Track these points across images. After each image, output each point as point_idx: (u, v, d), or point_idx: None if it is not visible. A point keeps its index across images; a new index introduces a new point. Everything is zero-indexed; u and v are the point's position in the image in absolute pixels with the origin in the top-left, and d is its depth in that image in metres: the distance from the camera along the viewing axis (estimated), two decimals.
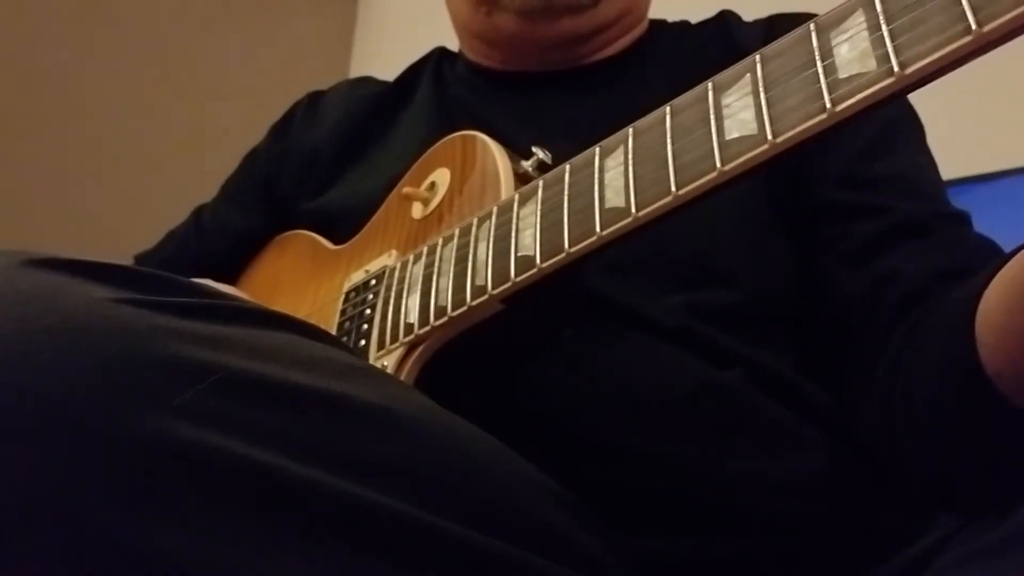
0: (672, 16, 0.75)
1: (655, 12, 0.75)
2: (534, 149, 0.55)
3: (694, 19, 0.73)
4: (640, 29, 0.72)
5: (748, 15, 0.71)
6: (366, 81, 0.82)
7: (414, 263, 0.55)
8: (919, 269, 0.53)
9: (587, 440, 0.53)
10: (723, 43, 0.67)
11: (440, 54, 0.79)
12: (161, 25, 1.66)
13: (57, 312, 0.32)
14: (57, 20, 1.56)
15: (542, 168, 0.54)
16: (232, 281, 0.77)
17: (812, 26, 0.40)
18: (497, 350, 0.52)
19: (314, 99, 0.80)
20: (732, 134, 0.40)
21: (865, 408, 0.53)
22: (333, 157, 0.73)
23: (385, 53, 1.68)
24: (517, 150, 0.57)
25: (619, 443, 0.53)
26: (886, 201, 0.57)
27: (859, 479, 0.54)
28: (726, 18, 0.70)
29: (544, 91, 0.69)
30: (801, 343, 0.59)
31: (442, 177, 0.60)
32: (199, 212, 0.82)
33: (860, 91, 0.36)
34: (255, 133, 0.83)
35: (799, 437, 0.55)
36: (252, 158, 0.80)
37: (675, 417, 0.53)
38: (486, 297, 0.48)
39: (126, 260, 0.82)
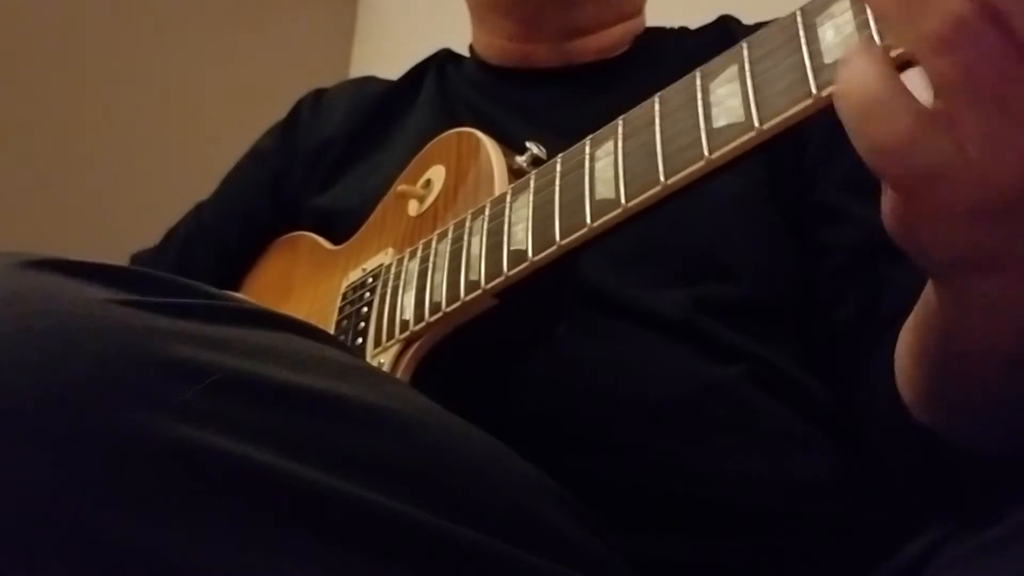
0: (672, 20, 0.75)
1: (655, 19, 0.75)
2: (528, 144, 0.55)
3: (693, 24, 0.73)
4: (636, 25, 0.72)
5: (748, 19, 0.70)
6: (370, 80, 0.83)
7: (410, 260, 0.55)
8: (901, 288, 0.52)
9: (587, 438, 0.53)
10: (724, 47, 0.67)
11: (445, 55, 0.79)
12: (160, 24, 1.66)
13: (55, 313, 0.32)
14: (56, 19, 1.56)
15: (536, 163, 0.54)
16: (238, 280, 0.77)
17: (798, 12, 0.40)
18: (493, 346, 0.52)
19: (319, 95, 0.81)
20: (720, 122, 0.40)
21: (860, 411, 0.53)
22: (339, 155, 0.74)
23: (385, 53, 1.68)
24: (514, 146, 0.57)
25: (619, 441, 0.53)
26: (876, 210, 0.57)
27: (861, 478, 0.54)
28: (726, 23, 0.70)
29: (546, 88, 0.70)
30: (805, 339, 0.59)
31: (437, 174, 0.60)
32: (199, 209, 0.82)
33: None
34: (255, 132, 0.83)
35: (801, 436, 0.55)
36: (258, 154, 0.80)
37: (676, 415, 0.53)
38: (479, 292, 0.48)
39: (126, 260, 0.83)
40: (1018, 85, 0.27)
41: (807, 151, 0.61)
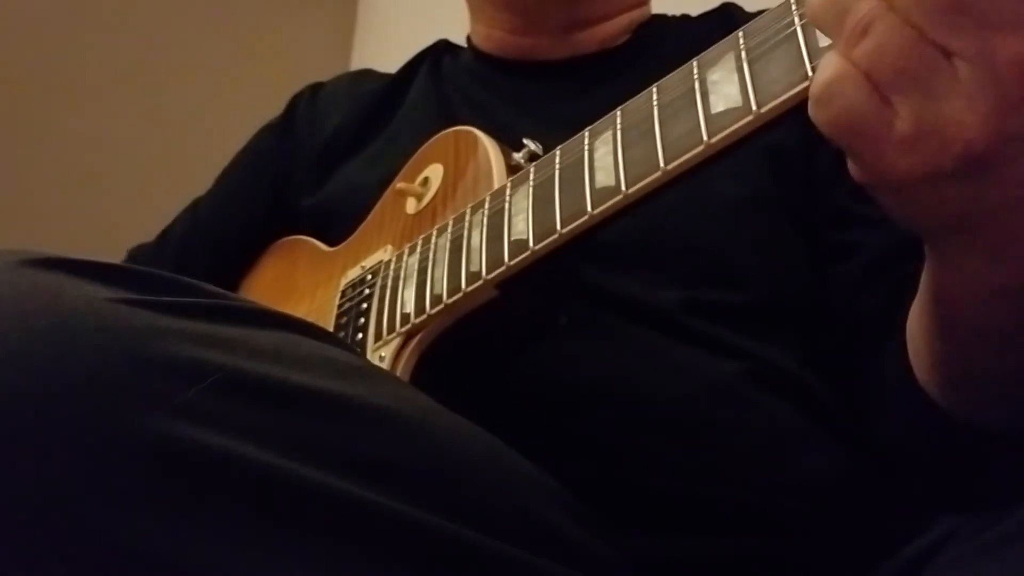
0: (673, 10, 0.75)
1: (659, 6, 0.75)
2: (525, 141, 0.55)
3: (694, 12, 0.73)
4: (641, 14, 0.72)
5: (750, 6, 0.70)
6: (367, 74, 0.82)
7: (409, 255, 0.55)
8: None
9: (587, 438, 0.53)
10: (726, 34, 0.66)
11: (443, 46, 0.79)
12: (161, 23, 1.66)
13: (56, 312, 0.32)
14: (57, 18, 1.56)
15: (533, 159, 0.54)
16: (237, 280, 0.77)
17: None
18: (494, 337, 0.52)
19: (315, 91, 0.80)
20: (718, 108, 0.40)
21: (872, 413, 0.53)
22: (339, 151, 0.73)
23: (385, 52, 1.68)
24: (512, 142, 0.57)
25: (619, 441, 0.52)
26: None
27: (863, 478, 0.54)
28: (728, 10, 0.70)
29: (546, 81, 0.69)
30: (810, 340, 0.59)
31: (435, 172, 0.60)
32: (196, 207, 0.81)
33: None
34: (256, 131, 0.83)
35: (802, 436, 0.55)
36: (256, 153, 0.79)
37: (677, 414, 0.53)
38: (481, 283, 0.48)
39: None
40: (927, 67, 0.30)
41: (817, 158, 0.61)
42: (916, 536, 0.45)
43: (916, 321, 0.44)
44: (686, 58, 0.44)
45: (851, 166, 0.34)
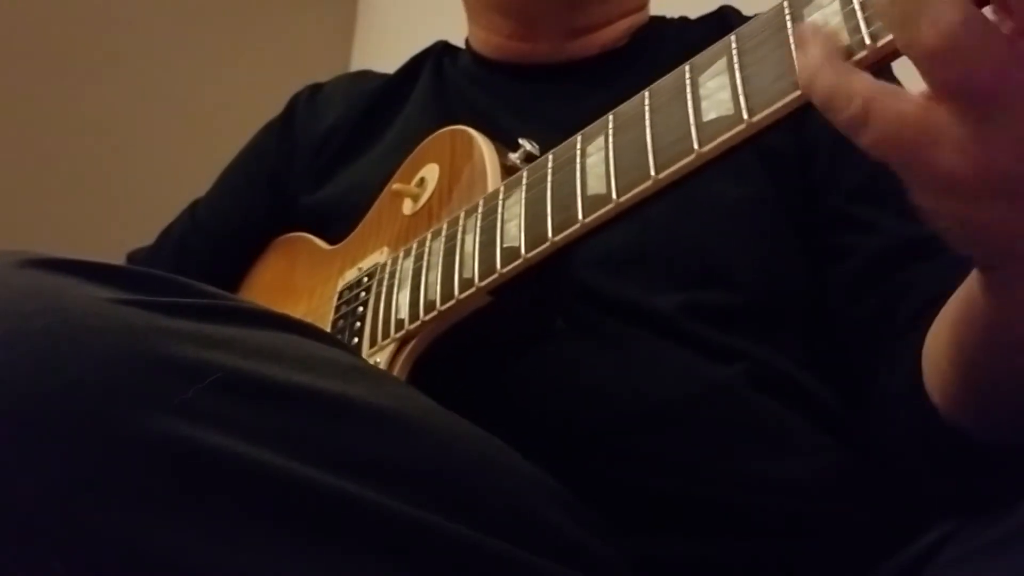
0: (672, 11, 0.75)
1: (658, 9, 0.75)
2: (521, 141, 0.55)
3: (693, 15, 0.73)
4: (641, 18, 0.72)
5: (748, 10, 0.70)
6: (366, 74, 0.82)
7: (404, 258, 0.55)
8: (923, 290, 0.53)
9: (586, 439, 0.53)
10: (723, 38, 0.67)
11: (442, 47, 0.79)
12: (161, 24, 1.66)
13: (56, 312, 0.32)
14: (57, 19, 1.56)
15: (529, 159, 0.54)
16: (236, 279, 0.78)
17: (785, 3, 0.40)
18: (489, 343, 0.52)
19: (314, 91, 0.80)
20: (709, 115, 0.40)
21: (870, 416, 0.54)
22: (336, 150, 0.74)
23: (385, 53, 1.68)
24: (510, 141, 0.57)
25: (619, 442, 0.53)
26: (897, 218, 0.57)
27: (862, 478, 0.54)
28: (725, 13, 0.70)
29: (545, 84, 0.69)
30: (808, 341, 0.59)
31: (431, 172, 0.60)
32: (194, 208, 0.81)
33: None
34: (257, 131, 0.83)
35: (802, 437, 0.55)
36: (254, 152, 0.80)
37: (676, 416, 0.53)
38: (474, 290, 0.48)
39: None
40: (1016, 86, 0.28)
41: (813, 163, 0.61)
42: (916, 536, 0.45)
43: (946, 344, 0.43)
44: (683, 61, 0.43)
45: (916, 190, 0.33)
